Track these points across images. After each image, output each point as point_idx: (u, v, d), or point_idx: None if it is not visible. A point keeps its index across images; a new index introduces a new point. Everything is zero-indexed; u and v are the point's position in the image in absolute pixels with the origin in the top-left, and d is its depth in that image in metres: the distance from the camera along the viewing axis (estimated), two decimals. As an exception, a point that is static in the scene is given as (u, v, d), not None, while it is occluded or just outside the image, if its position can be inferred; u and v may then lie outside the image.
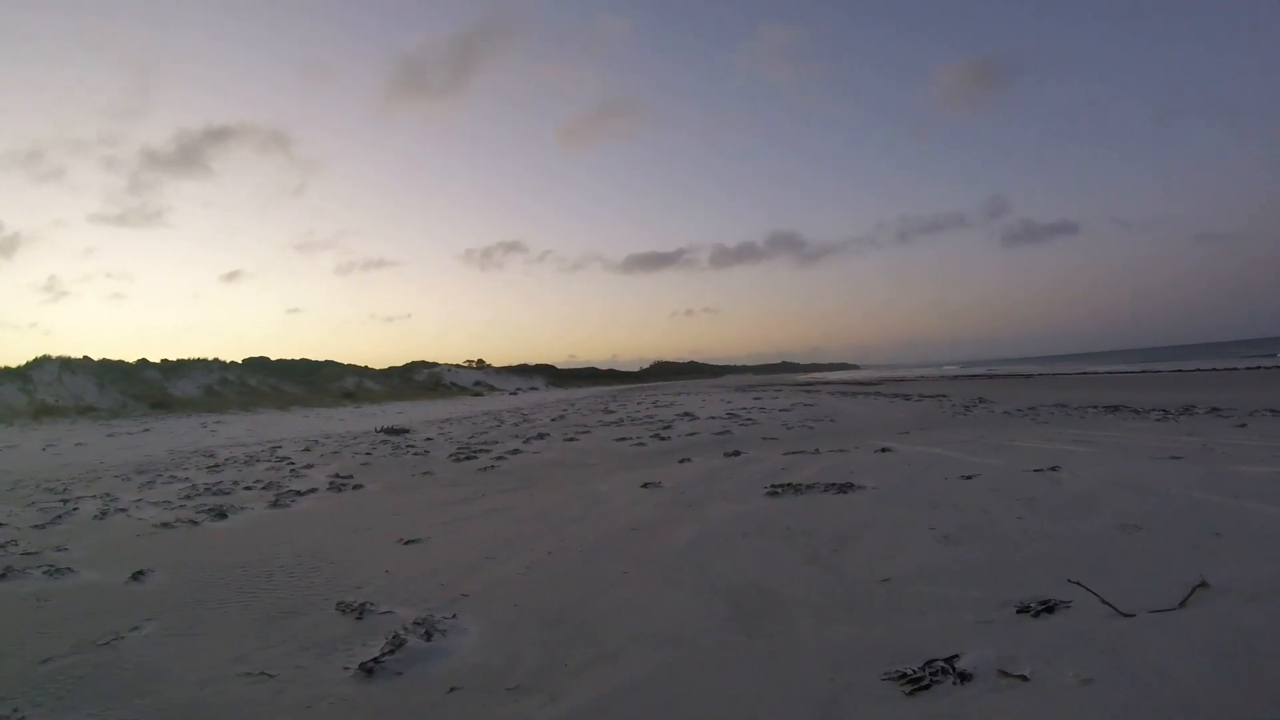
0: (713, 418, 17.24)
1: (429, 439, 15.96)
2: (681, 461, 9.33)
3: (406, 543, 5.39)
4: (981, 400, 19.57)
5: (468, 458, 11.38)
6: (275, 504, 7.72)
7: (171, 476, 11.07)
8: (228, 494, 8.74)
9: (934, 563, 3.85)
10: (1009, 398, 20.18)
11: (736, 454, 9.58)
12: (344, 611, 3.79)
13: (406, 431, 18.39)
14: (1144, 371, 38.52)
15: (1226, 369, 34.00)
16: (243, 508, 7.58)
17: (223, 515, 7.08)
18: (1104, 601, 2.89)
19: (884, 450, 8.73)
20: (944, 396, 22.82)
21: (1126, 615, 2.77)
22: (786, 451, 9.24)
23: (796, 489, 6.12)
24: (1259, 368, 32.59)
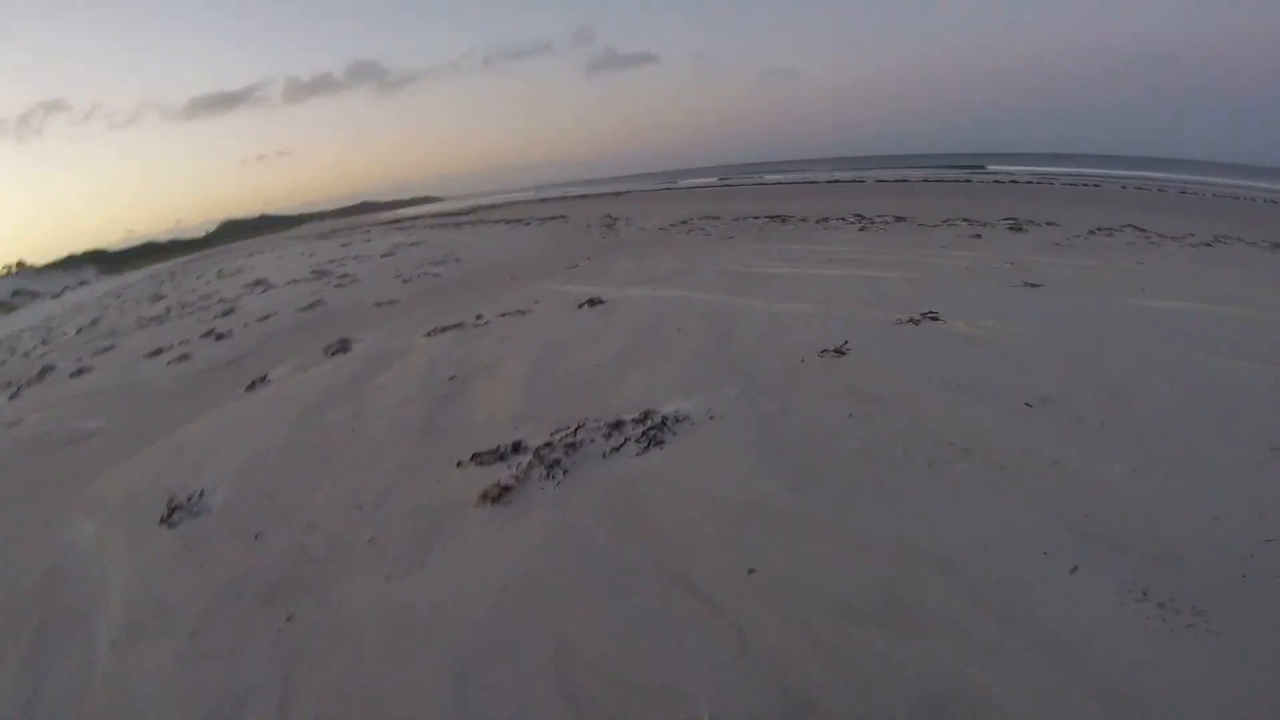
0: (294, 282, 12.39)
1: None
2: (251, 387, 5.23)
3: None
4: (615, 218, 17.53)
5: None
6: None
7: None
8: None
9: None
10: (640, 214, 18.45)
11: (344, 348, 5.78)
12: None
13: None
14: (725, 185, 40.14)
15: (805, 182, 36.32)
16: None
17: None
18: None
19: (593, 302, 5.63)
20: (564, 218, 20.47)
21: None
22: (431, 330, 5.63)
23: (548, 464, 2.72)
24: (836, 181, 34.72)
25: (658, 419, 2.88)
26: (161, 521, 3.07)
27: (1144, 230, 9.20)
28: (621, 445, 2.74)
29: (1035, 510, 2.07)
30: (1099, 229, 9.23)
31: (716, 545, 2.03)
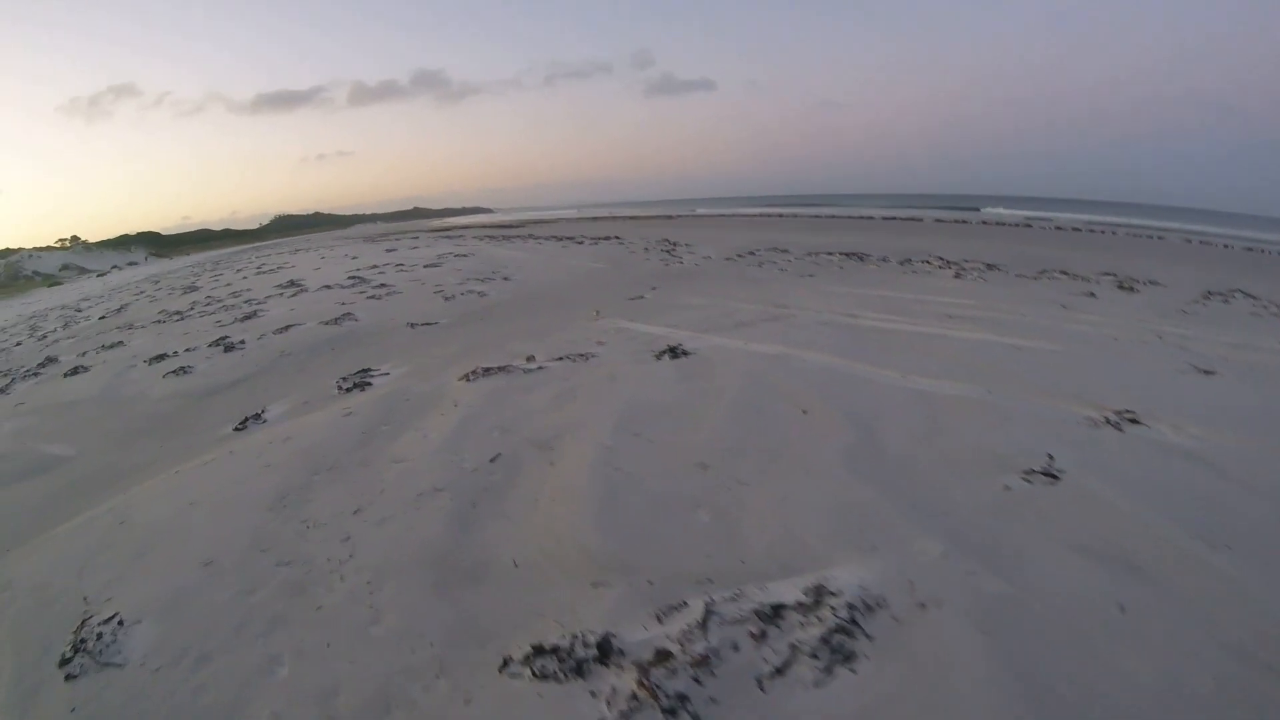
0: (328, 287, 11.46)
1: None
2: (242, 426, 4.23)
3: None
4: (674, 243, 16.44)
5: None
6: None
7: None
8: None
9: None
10: (698, 240, 17.34)
11: (362, 383, 4.74)
12: None
13: None
14: (779, 214, 38.69)
15: (862, 217, 34.67)
16: None
17: None
18: None
19: (674, 352, 4.50)
20: (618, 239, 19.44)
21: None
22: (470, 371, 4.51)
23: (667, 704, 1.49)
24: (893, 218, 33.09)
25: (839, 606, 1.67)
26: (62, 663, 2.01)
27: (1254, 297, 7.96)
28: (789, 663, 1.53)
29: None
30: (1210, 293, 8.03)
31: None
